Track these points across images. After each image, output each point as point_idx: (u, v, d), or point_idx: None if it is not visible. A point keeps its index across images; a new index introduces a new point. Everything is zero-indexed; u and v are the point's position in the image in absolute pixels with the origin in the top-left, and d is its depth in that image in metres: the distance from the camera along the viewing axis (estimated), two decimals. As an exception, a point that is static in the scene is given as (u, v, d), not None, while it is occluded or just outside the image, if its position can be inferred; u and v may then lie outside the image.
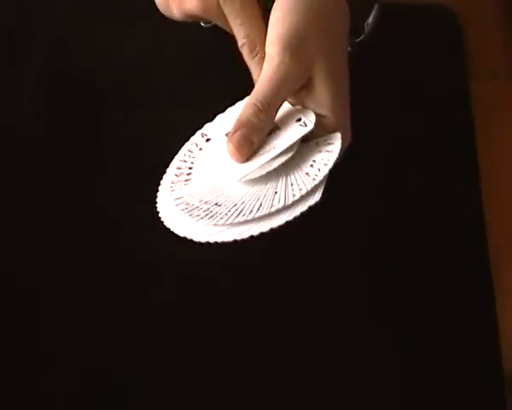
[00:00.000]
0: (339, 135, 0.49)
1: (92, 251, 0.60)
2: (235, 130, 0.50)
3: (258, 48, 0.51)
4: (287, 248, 0.60)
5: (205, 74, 0.61)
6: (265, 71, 0.50)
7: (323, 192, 0.48)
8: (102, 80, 0.64)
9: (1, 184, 0.62)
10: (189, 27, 0.66)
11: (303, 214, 0.47)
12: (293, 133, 0.50)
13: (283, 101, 0.51)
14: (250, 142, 0.50)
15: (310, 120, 0.49)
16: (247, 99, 0.51)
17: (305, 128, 0.49)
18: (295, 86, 0.51)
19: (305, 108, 0.51)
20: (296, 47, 0.50)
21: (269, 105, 0.50)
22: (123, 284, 0.59)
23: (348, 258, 0.60)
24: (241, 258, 0.59)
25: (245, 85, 0.53)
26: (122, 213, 0.61)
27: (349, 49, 0.56)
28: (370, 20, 0.57)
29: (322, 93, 0.51)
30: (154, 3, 0.54)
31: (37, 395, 0.56)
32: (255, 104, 0.50)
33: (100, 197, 0.61)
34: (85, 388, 0.56)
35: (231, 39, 0.57)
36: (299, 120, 0.50)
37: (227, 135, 0.50)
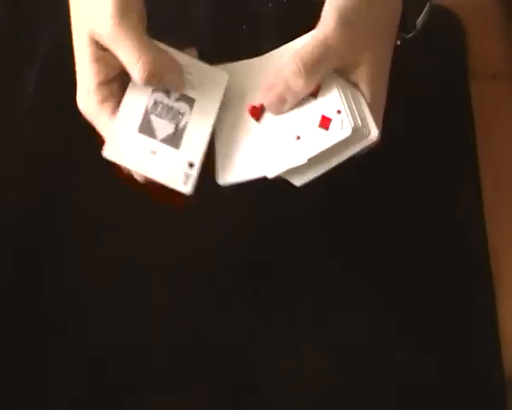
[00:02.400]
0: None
1: (92, 251, 0.60)
2: (272, 84, 0.50)
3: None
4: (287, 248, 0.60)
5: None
6: (316, 34, 0.50)
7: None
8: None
9: (1, 184, 0.62)
10: (189, 27, 0.66)
11: None
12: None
13: (327, 70, 0.50)
14: (283, 100, 0.50)
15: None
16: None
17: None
18: (341, 60, 0.50)
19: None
20: (351, 23, 0.49)
21: (311, 68, 0.49)
22: (123, 284, 0.59)
23: (348, 258, 0.60)
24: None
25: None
26: (122, 211, 0.61)
27: (398, 42, 0.56)
28: (421, 17, 0.57)
29: (366, 82, 0.51)
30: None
31: (36, 395, 0.56)
32: (297, 64, 0.49)
33: (100, 195, 0.61)
34: (84, 388, 0.56)
35: (232, 39, 0.58)
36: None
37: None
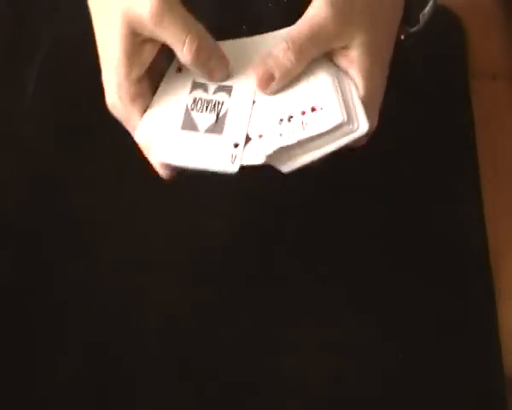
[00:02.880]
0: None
1: (92, 251, 0.60)
2: (260, 62, 0.51)
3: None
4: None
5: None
6: (306, 14, 0.50)
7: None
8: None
9: (1, 184, 0.62)
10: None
11: None
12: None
13: (317, 53, 0.50)
14: (271, 76, 0.50)
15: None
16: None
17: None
18: (331, 42, 0.50)
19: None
20: (343, 6, 0.49)
21: (300, 46, 0.49)
22: (123, 285, 0.59)
23: (347, 258, 0.60)
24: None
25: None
26: (122, 211, 0.61)
27: (402, 37, 0.55)
28: (426, 11, 0.57)
29: (359, 66, 0.51)
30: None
31: (32, 395, 0.56)
32: (286, 42, 0.50)
33: (100, 195, 0.61)
34: (84, 388, 0.56)
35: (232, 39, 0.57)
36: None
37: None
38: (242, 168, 0.50)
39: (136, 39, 0.50)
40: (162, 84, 0.54)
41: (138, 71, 0.51)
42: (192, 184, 0.60)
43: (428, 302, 0.58)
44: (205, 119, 0.52)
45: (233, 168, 0.50)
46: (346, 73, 0.52)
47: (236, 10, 0.68)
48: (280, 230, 0.60)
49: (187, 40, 0.49)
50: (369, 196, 0.62)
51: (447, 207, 0.62)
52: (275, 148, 0.50)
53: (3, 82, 0.66)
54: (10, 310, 0.58)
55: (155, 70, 0.53)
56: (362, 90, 0.51)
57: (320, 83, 0.51)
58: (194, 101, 0.53)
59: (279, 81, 0.51)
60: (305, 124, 0.50)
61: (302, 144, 0.50)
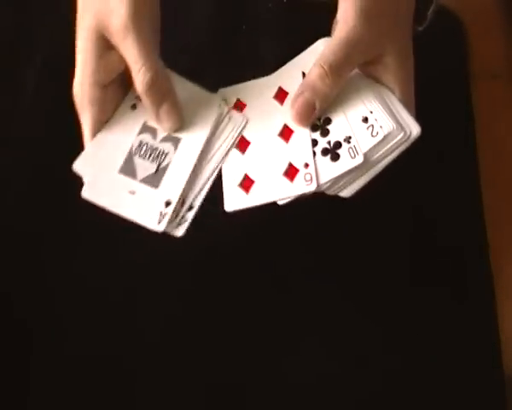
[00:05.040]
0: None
1: (91, 251, 0.60)
2: (299, 93, 0.49)
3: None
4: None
5: (205, 74, 0.61)
6: (337, 34, 0.49)
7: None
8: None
9: (1, 184, 0.62)
10: (189, 27, 0.66)
11: None
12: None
13: (352, 68, 0.50)
14: (312, 107, 0.49)
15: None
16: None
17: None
18: (366, 55, 0.49)
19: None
20: (371, 16, 0.49)
21: (337, 69, 0.48)
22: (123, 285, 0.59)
23: (347, 259, 0.60)
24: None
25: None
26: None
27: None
28: (431, 9, 0.57)
29: (394, 72, 0.50)
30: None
31: (32, 391, 0.56)
32: (322, 66, 0.48)
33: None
34: (84, 389, 0.56)
35: (231, 39, 0.58)
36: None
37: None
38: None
39: (104, 43, 0.50)
40: (113, 117, 0.52)
41: (102, 75, 0.50)
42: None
43: (428, 303, 0.58)
44: (145, 167, 0.51)
45: (158, 228, 0.49)
46: (380, 82, 0.51)
47: (236, 10, 0.68)
48: (282, 231, 0.60)
49: (142, 68, 0.49)
50: (368, 196, 0.62)
51: (447, 207, 0.62)
52: (331, 177, 0.49)
53: (3, 82, 0.66)
54: (11, 309, 0.58)
55: (125, 90, 0.52)
56: (400, 95, 0.50)
57: (360, 98, 0.50)
58: (140, 145, 0.51)
59: (321, 110, 0.50)
60: (355, 146, 0.48)
61: (357, 167, 0.49)
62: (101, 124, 0.52)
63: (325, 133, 0.49)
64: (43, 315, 0.58)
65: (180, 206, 0.50)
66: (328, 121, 0.50)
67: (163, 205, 0.50)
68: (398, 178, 0.63)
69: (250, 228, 0.60)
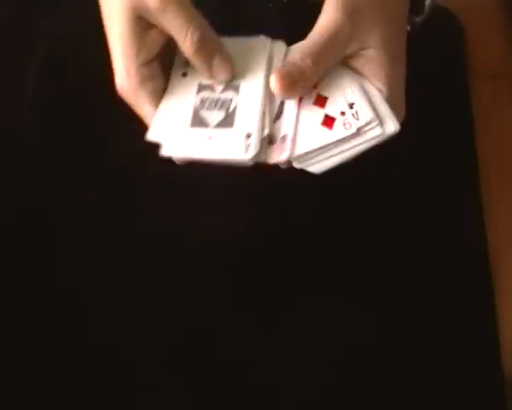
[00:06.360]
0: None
1: (91, 250, 0.60)
2: (283, 66, 0.50)
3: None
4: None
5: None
6: (318, 25, 0.50)
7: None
8: (103, 80, 0.65)
9: (0, 183, 0.62)
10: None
11: None
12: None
13: (334, 59, 0.50)
14: (294, 79, 0.49)
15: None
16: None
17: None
18: (346, 47, 0.50)
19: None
20: (354, 9, 0.49)
21: (317, 55, 0.49)
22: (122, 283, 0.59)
23: (347, 258, 0.60)
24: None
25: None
26: (122, 210, 0.61)
27: (408, 28, 0.55)
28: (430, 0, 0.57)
29: (377, 65, 0.50)
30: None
31: (32, 395, 0.56)
32: (303, 52, 0.49)
33: (100, 195, 0.61)
34: (82, 390, 0.56)
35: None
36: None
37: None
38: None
39: (142, 23, 0.50)
40: (168, 89, 0.53)
41: (146, 54, 0.51)
42: (192, 184, 0.60)
43: (427, 302, 0.59)
44: (214, 116, 0.52)
45: (247, 157, 0.50)
46: (363, 75, 0.51)
47: (236, 10, 0.68)
48: (280, 228, 0.61)
49: (189, 31, 0.49)
50: (368, 196, 0.62)
51: (447, 206, 0.62)
52: (304, 150, 0.49)
53: (3, 82, 0.66)
54: (12, 307, 0.58)
55: (167, 54, 0.53)
56: (384, 88, 0.50)
57: (344, 87, 0.50)
58: (202, 101, 0.52)
59: (301, 87, 0.50)
60: (334, 127, 0.49)
61: (331, 147, 0.49)
62: (159, 94, 0.53)
63: None
64: (43, 302, 0.58)
65: (260, 134, 0.50)
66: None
67: (244, 138, 0.50)
68: (397, 178, 0.63)
69: (248, 227, 0.60)
